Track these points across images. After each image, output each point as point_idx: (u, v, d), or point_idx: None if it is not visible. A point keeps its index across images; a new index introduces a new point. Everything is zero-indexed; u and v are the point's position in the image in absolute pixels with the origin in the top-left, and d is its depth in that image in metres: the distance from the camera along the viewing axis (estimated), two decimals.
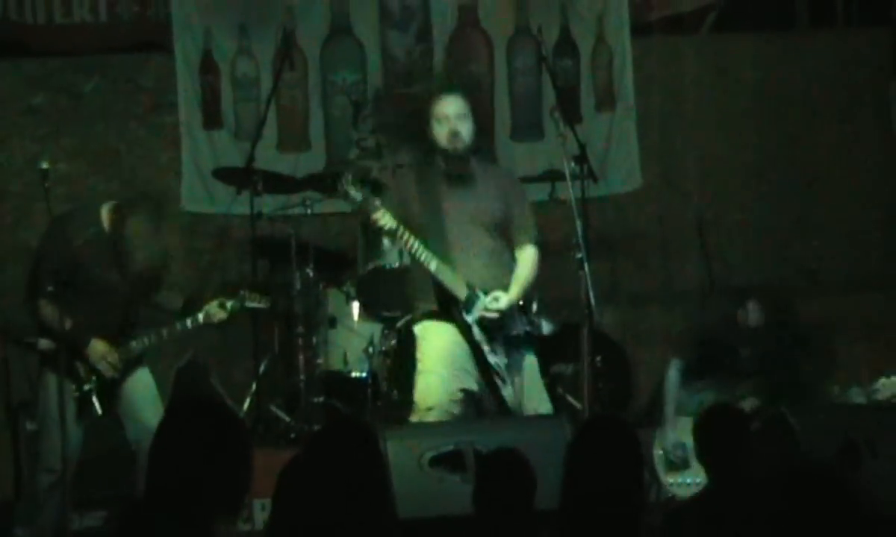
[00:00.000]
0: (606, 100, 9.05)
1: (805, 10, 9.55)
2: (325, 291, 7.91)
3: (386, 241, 6.35)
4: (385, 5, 8.90)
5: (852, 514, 3.21)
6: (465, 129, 6.30)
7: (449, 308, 6.24)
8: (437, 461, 5.50)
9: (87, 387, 6.30)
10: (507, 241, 6.38)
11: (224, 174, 8.10)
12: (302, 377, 7.69)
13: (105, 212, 6.33)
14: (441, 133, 6.29)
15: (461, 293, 6.19)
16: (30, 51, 8.70)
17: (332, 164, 8.68)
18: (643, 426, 7.08)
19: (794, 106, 9.32)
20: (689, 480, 6.75)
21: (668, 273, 9.14)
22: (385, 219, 6.11)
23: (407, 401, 7.51)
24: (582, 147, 7.32)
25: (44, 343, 6.26)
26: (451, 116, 6.28)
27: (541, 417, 6.23)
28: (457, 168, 6.32)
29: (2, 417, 7.52)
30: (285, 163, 8.44)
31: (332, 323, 7.85)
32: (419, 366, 6.36)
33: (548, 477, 4.09)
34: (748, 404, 6.81)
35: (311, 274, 7.78)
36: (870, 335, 9.01)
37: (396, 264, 7.61)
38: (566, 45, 8.98)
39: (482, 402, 6.31)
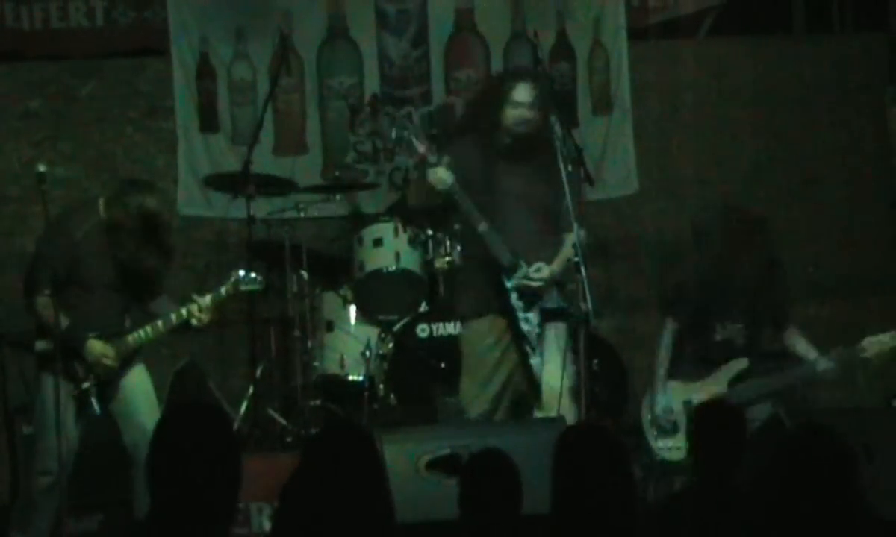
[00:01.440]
0: (603, 104, 9.06)
1: (801, 15, 9.57)
2: (321, 295, 7.91)
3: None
4: (382, 9, 8.90)
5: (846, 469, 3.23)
6: (533, 117, 6.45)
7: (488, 300, 6.41)
8: (433, 465, 5.50)
9: (85, 386, 6.29)
10: (554, 227, 6.50)
11: (216, 181, 8.11)
12: (299, 381, 7.69)
13: (102, 203, 6.36)
14: (510, 114, 6.45)
15: (505, 258, 6.34)
16: (26, 55, 8.70)
17: (329, 169, 8.70)
18: (639, 431, 7.09)
19: (790, 110, 9.34)
20: (679, 444, 6.77)
21: (664, 276, 9.14)
22: (443, 174, 6.27)
23: (405, 405, 7.55)
24: (579, 151, 7.32)
25: (41, 345, 6.25)
26: (524, 102, 6.45)
27: (537, 421, 6.22)
28: (518, 146, 6.47)
29: None
30: (282, 168, 8.44)
31: (329, 326, 7.85)
32: (462, 365, 6.58)
33: (544, 481, 4.08)
34: (734, 367, 6.88)
35: (307, 277, 7.78)
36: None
37: (393, 268, 7.62)
38: (563, 49, 8.99)
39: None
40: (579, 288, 6.09)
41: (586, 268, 6.11)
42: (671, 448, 6.87)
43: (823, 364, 6.89)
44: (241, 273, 6.61)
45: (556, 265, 6.42)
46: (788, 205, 9.27)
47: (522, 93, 6.48)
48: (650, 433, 6.90)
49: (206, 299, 6.47)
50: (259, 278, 6.67)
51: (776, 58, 9.38)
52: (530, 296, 6.39)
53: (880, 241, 9.36)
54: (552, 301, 6.44)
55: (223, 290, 6.53)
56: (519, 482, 4.33)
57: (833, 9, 9.56)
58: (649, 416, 6.91)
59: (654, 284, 9.15)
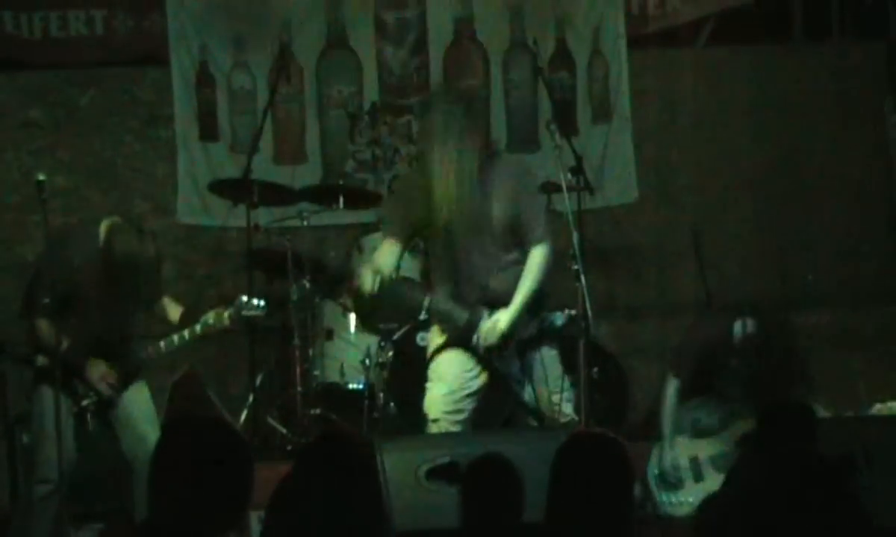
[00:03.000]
0: (602, 112, 9.07)
1: (800, 24, 9.58)
2: (321, 303, 7.91)
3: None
4: (381, 18, 8.91)
5: None
6: (424, 146, 6.21)
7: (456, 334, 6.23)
8: (433, 473, 5.49)
9: (84, 404, 6.29)
10: (517, 244, 6.20)
11: (220, 187, 8.09)
12: (299, 389, 7.68)
13: (103, 229, 6.30)
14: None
15: (460, 320, 6.17)
16: (26, 64, 8.70)
17: (329, 177, 8.70)
18: (639, 439, 7.09)
19: (789, 118, 9.34)
20: (682, 499, 6.75)
21: (663, 285, 9.15)
22: (366, 282, 6.18)
23: (405, 413, 7.54)
24: (578, 159, 7.32)
25: (40, 361, 6.25)
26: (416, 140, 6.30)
27: (536, 429, 6.22)
28: None
29: None
30: (281, 176, 8.44)
31: (329, 335, 7.85)
32: (429, 372, 6.37)
33: (543, 489, 4.08)
34: (741, 427, 6.79)
35: (307, 286, 7.77)
36: (865, 349, 9.02)
37: (393, 276, 7.61)
38: (562, 57, 8.99)
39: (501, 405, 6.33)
40: (579, 297, 6.05)
41: (586, 277, 6.08)
42: (675, 503, 6.83)
43: None
44: (244, 299, 6.58)
45: (515, 305, 6.08)
46: (787, 213, 9.27)
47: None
48: (655, 487, 6.86)
49: (210, 320, 6.45)
50: (261, 304, 6.62)
51: (775, 66, 9.38)
52: (500, 343, 6.15)
53: (879, 250, 9.37)
54: (527, 329, 6.15)
55: (226, 316, 6.48)
56: (521, 488, 4.33)
57: (832, 17, 9.57)
58: (657, 471, 6.87)
59: (654, 292, 9.16)
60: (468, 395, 6.24)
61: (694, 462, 6.83)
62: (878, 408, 6.99)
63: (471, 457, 5.43)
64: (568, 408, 6.25)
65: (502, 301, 6.13)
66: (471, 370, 6.23)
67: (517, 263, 6.19)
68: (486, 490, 4.36)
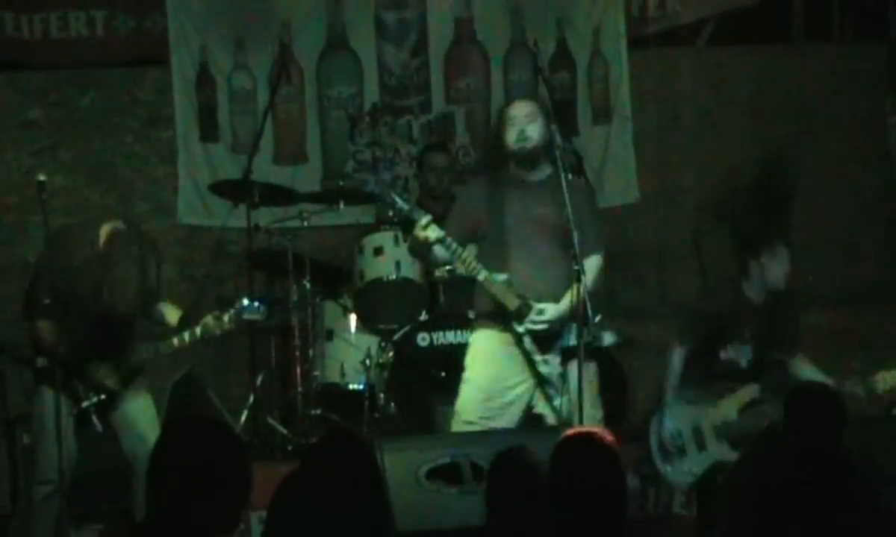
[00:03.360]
0: (603, 112, 9.07)
1: (801, 24, 9.58)
2: (322, 304, 7.91)
3: (438, 249, 6.26)
4: (381, 19, 8.92)
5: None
6: (534, 131, 6.25)
7: (505, 313, 6.20)
8: (433, 474, 5.49)
9: (85, 405, 6.29)
10: (569, 250, 6.19)
11: (221, 188, 8.09)
12: (299, 390, 7.68)
13: (104, 233, 6.29)
14: (510, 135, 6.26)
15: (511, 304, 6.14)
16: (26, 65, 8.70)
17: (329, 178, 8.70)
18: (639, 439, 7.08)
19: (789, 119, 9.34)
20: (686, 468, 6.75)
21: (664, 285, 9.16)
22: (430, 231, 6.06)
23: (405, 414, 7.54)
24: (579, 159, 7.33)
25: (41, 362, 6.24)
26: (519, 117, 6.25)
27: (537, 430, 6.21)
28: (525, 170, 6.29)
29: None
30: (282, 177, 8.44)
31: (330, 335, 7.84)
32: (465, 373, 6.35)
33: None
34: (746, 394, 6.83)
35: (307, 286, 7.77)
36: (864, 348, 9.01)
37: (393, 276, 7.62)
38: (562, 58, 9.00)
39: (534, 409, 6.28)
40: (580, 299, 6.04)
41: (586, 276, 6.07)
42: (678, 472, 6.83)
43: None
44: (245, 302, 6.58)
45: (565, 302, 6.13)
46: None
47: (517, 108, 6.33)
48: (657, 456, 6.86)
49: (210, 324, 6.45)
50: (262, 307, 6.64)
51: (775, 67, 9.38)
52: (546, 338, 6.17)
53: (879, 250, 9.37)
54: (573, 337, 6.09)
55: (226, 320, 6.49)
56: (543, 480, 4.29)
57: (832, 18, 9.57)
58: (657, 439, 6.88)
59: (655, 292, 9.16)
60: (507, 405, 6.22)
61: (697, 430, 6.83)
62: (881, 375, 6.94)
63: (470, 458, 5.46)
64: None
65: (544, 298, 6.18)
66: (507, 380, 6.22)
67: (568, 269, 6.19)
68: (511, 482, 4.34)
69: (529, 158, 6.28)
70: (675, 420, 6.81)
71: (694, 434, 6.82)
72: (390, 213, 6.35)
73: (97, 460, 6.71)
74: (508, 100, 6.75)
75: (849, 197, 9.37)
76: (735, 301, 6.89)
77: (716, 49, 9.41)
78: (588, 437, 4.13)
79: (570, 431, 4.22)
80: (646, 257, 9.16)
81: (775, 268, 6.87)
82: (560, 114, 8.14)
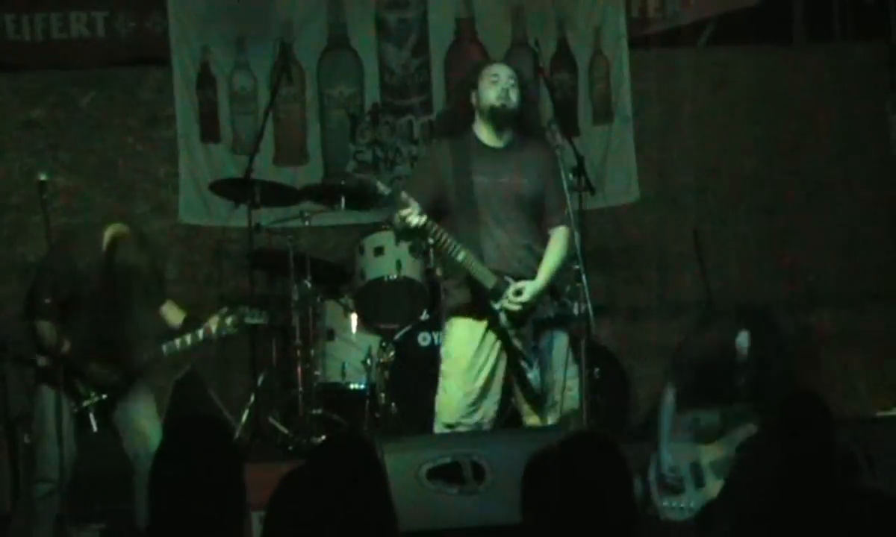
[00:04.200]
0: (604, 112, 9.07)
1: (802, 24, 9.56)
2: (323, 303, 7.92)
3: (408, 243, 6.23)
4: (382, 19, 8.92)
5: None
6: (515, 94, 6.19)
7: (479, 297, 6.15)
8: (434, 473, 5.49)
9: (85, 404, 6.30)
10: (540, 219, 6.25)
11: (222, 187, 8.09)
12: (300, 389, 7.68)
13: (107, 237, 6.29)
14: (491, 91, 6.17)
15: (488, 282, 6.08)
16: (28, 67, 8.70)
17: (330, 178, 8.70)
18: (641, 440, 7.08)
19: (791, 119, 9.34)
20: (682, 504, 6.73)
21: (665, 285, 9.15)
22: (413, 217, 5.96)
23: (406, 413, 7.54)
24: (579, 159, 7.33)
25: (42, 361, 6.25)
26: (503, 77, 6.19)
27: (537, 429, 6.21)
28: (494, 132, 6.19)
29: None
30: (283, 177, 8.44)
31: (331, 335, 7.85)
32: (442, 366, 6.32)
33: None
34: (743, 432, 6.74)
35: (308, 286, 7.78)
36: (866, 348, 9.02)
37: (394, 276, 7.62)
38: (563, 58, 8.99)
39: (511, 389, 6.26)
40: (580, 296, 6.04)
41: (587, 276, 6.07)
42: (675, 507, 6.81)
43: None
44: (247, 308, 6.63)
45: (541, 279, 6.12)
46: (789, 213, 9.28)
47: (500, 69, 6.26)
48: (655, 491, 6.83)
49: (213, 329, 6.47)
50: (264, 313, 6.68)
51: (777, 66, 9.38)
52: (520, 315, 6.13)
53: (881, 249, 9.36)
54: (546, 310, 6.17)
55: (229, 323, 6.51)
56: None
57: (833, 17, 9.56)
58: (656, 476, 6.84)
59: (655, 292, 9.16)
60: (483, 395, 6.19)
61: (695, 467, 6.79)
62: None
63: (471, 458, 5.46)
64: (574, 396, 6.22)
65: (523, 277, 6.12)
66: (479, 361, 6.17)
67: (540, 243, 6.22)
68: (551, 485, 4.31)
69: (506, 120, 6.19)
70: (672, 456, 6.77)
71: (692, 470, 6.80)
72: (378, 201, 6.18)
73: (98, 460, 6.72)
74: (487, 61, 6.63)
75: (850, 197, 9.36)
76: (727, 344, 6.73)
77: (717, 49, 9.40)
78: (593, 437, 4.13)
79: (574, 432, 4.20)
80: (646, 257, 9.15)
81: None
82: (561, 113, 8.18)
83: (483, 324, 6.17)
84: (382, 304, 7.72)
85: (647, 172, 9.09)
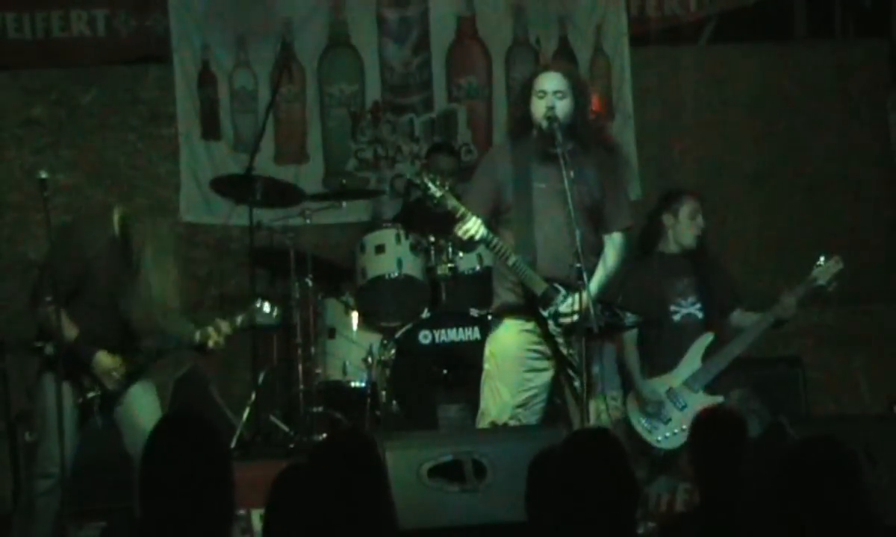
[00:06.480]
0: (605, 110, 9.06)
1: (803, 22, 9.57)
2: (324, 301, 7.91)
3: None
4: (383, 17, 8.92)
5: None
6: (562, 107, 6.11)
7: (529, 302, 6.14)
8: (435, 471, 5.49)
9: (90, 396, 6.29)
10: (596, 226, 6.21)
11: (223, 185, 8.08)
12: (301, 387, 7.68)
13: (116, 218, 6.31)
14: (538, 109, 6.13)
15: (538, 289, 6.07)
16: (29, 66, 8.71)
17: (331, 176, 8.71)
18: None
19: (791, 116, 9.34)
20: (673, 430, 6.85)
21: None
22: (475, 231, 5.92)
23: (407, 411, 7.54)
24: None
25: (49, 348, 6.22)
26: (548, 92, 6.12)
27: (537, 428, 6.20)
28: (550, 145, 6.07)
29: (1, 429, 7.52)
30: (283, 176, 8.44)
31: (332, 333, 7.85)
32: (486, 365, 6.31)
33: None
34: (703, 340, 7.05)
35: (309, 284, 7.77)
36: (867, 348, 9.01)
37: (395, 274, 7.62)
38: (564, 55, 8.99)
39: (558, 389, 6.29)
40: (581, 295, 6.02)
41: (588, 275, 6.06)
42: (667, 436, 6.91)
43: (783, 303, 7.12)
44: (258, 304, 6.61)
45: (593, 287, 6.03)
46: (790, 211, 9.28)
47: (545, 82, 6.14)
48: (642, 427, 6.93)
49: (225, 326, 6.47)
50: (276, 312, 6.68)
51: (777, 64, 9.38)
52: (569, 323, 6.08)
53: (881, 248, 9.36)
54: (596, 320, 5.93)
55: (239, 320, 6.51)
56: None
57: (834, 15, 9.56)
58: (636, 409, 6.97)
59: None
60: (532, 397, 6.19)
61: (670, 392, 7.01)
62: (818, 270, 7.24)
63: (472, 456, 5.46)
64: (617, 406, 6.32)
65: (575, 286, 6.00)
66: (530, 369, 6.19)
67: (595, 252, 6.21)
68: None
69: (554, 133, 6.08)
70: (647, 389, 6.98)
71: (669, 396, 6.99)
72: (429, 202, 6.17)
73: (99, 456, 6.72)
74: (539, 68, 6.50)
75: (851, 194, 9.36)
76: (660, 262, 7.22)
77: (718, 47, 9.40)
78: (596, 433, 4.14)
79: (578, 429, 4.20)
80: None
81: (684, 222, 7.25)
82: None
83: (531, 327, 6.18)
84: (383, 302, 7.71)
85: (649, 170, 9.09)
